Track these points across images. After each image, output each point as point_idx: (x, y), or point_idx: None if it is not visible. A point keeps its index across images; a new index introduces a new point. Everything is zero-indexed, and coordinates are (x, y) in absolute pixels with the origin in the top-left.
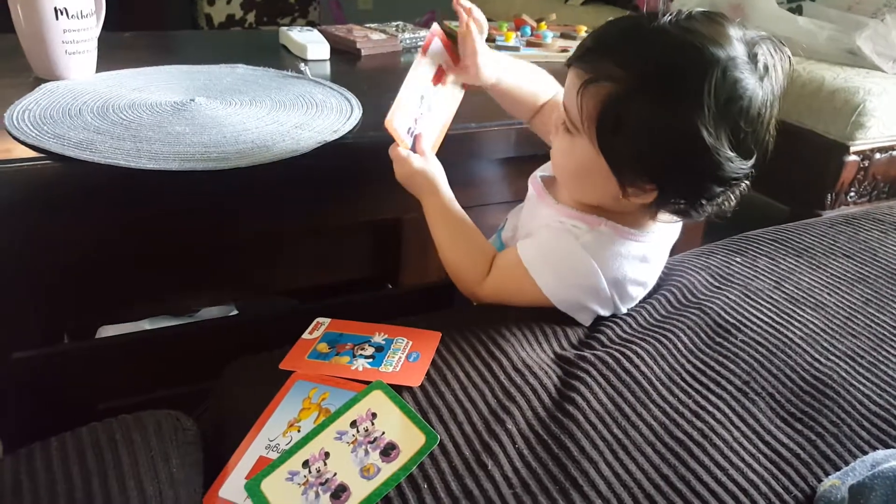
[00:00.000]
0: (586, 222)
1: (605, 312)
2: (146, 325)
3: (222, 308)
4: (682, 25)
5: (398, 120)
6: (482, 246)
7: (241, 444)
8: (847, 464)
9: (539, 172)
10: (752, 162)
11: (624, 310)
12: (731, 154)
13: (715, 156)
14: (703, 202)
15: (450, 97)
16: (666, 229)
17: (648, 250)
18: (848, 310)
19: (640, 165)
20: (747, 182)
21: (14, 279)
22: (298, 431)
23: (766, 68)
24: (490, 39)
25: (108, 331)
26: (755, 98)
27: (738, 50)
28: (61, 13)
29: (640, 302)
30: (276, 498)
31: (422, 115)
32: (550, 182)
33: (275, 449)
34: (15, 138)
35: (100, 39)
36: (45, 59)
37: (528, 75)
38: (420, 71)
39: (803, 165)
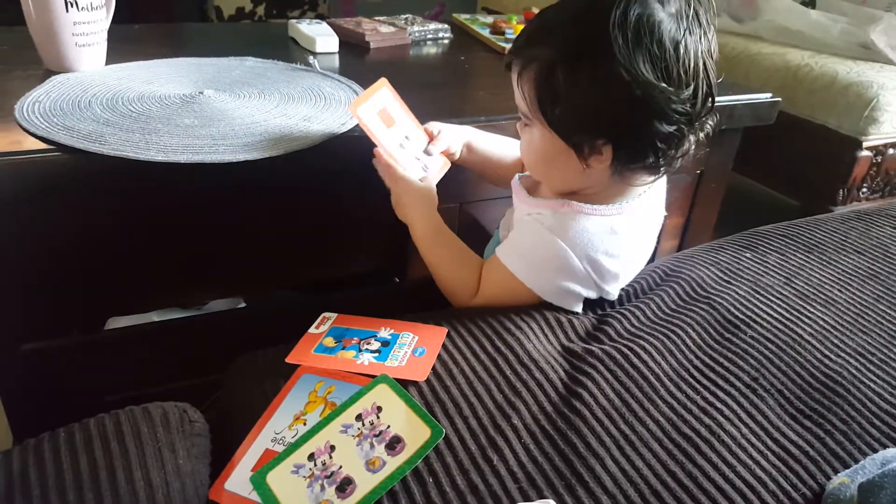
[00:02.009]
0: (549, 207)
1: (591, 294)
2: (154, 317)
3: (230, 301)
4: None
5: (404, 164)
6: (475, 263)
7: (248, 436)
8: (857, 462)
9: (518, 175)
10: (689, 92)
11: (611, 291)
12: (661, 84)
13: (642, 90)
14: (661, 145)
15: (407, 115)
16: (643, 203)
17: (616, 223)
18: (859, 306)
19: (585, 125)
20: (711, 124)
21: (23, 270)
22: (304, 424)
23: (677, 8)
24: (499, 32)
25: (116, 323)
26: (664, 25)
27: None
28: (71, 5)
29: (647, 294)
30: (281, 491)
31: (414, 152)
32: (532, 183)
33: (281, 442)
34: (25, 130)
35: (109, 32)
36: (55, 51)
37: (493, 135)
38: (383, 138)
39: (815, 160)
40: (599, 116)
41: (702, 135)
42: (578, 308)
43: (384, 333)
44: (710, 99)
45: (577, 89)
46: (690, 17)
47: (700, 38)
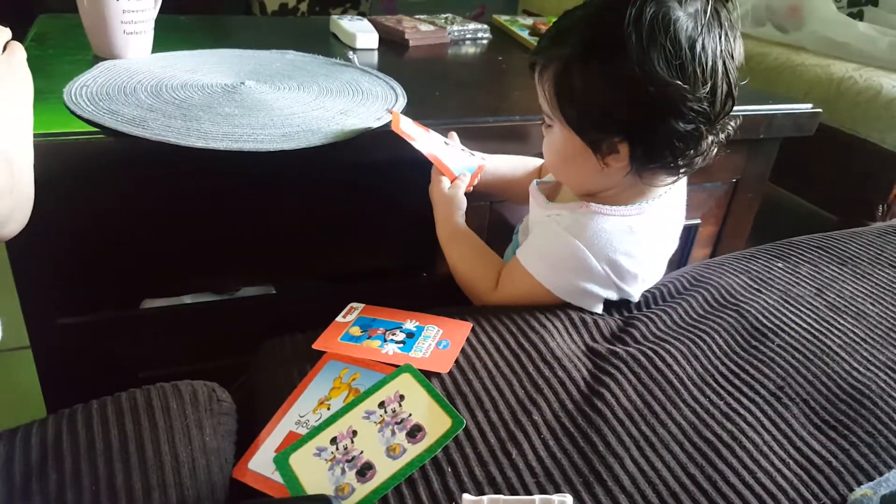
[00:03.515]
0: (567, 209)
1: (610, 294)
2: (187, 300)
3: (261, 288)
4: None
5: (453, 165)
6: (492, 260)
7: (273, 418)
8: (881, 474)
9: (535, 181)
10: (706, 91)
11: (633, 292)
12: (675, 82)
13: (656, 87)
14: (678, 144)
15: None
16: (662, 204)
17: (635, 223)
18: (891, 320)
19: (601, 123)
20: (732, 125)
21: (62, 247)
22: (328, 409)
23: (696, 8)
24: (538, 34)
25: (151, 304)
26: (680, 23)
27: None
28: None
29: (675, 299)
30: (303, 472)
31: (456, 152)
32: (551, 189)
33: (304, 425)
34: (72, 112)
35: (157, 21)
36: (104, 38)
37: (501, 155)
38: (424, 143)
39: (855, 175)
40: (614, 114)
41: (722, 136)
42: (598, 309)
43: (410, 325)
44: (730, 99)
45: (592, 87)
46: (709, 17)
47: (720, 38)
